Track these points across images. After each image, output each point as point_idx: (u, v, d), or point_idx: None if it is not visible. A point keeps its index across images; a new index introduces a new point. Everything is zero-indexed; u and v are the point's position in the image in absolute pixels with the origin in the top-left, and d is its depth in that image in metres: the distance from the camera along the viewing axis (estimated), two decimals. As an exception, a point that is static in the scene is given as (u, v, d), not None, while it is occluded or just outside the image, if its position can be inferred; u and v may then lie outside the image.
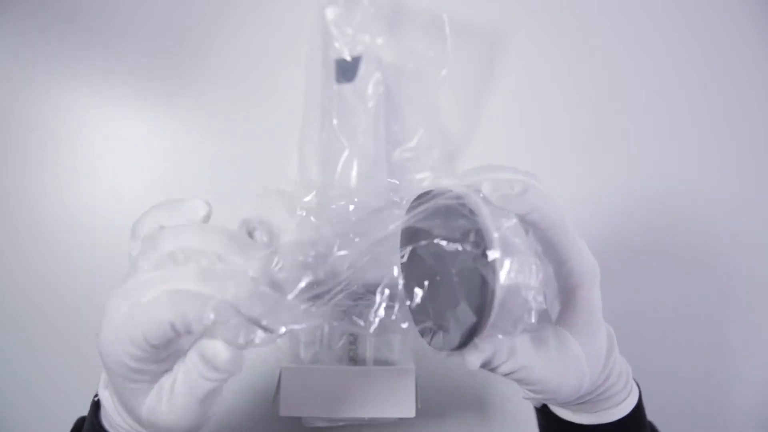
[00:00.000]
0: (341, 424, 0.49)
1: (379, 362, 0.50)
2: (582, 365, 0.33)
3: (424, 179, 0.56)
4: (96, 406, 0.34)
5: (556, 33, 0.60)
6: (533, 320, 0.28)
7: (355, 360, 0.48)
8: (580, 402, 0.35)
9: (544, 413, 0.39)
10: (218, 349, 0.27)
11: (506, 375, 0.32)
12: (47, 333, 0.53)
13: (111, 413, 0.32)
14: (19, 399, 0.53)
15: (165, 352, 0.28)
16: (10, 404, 0.53)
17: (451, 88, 0.56)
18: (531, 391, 0.34)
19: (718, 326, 0.55)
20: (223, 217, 0.54)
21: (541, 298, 0.28)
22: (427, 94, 0.56)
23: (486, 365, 0.31)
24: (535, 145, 0.58)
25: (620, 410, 0.36)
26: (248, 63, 0.59)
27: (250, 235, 0.33)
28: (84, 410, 0.52)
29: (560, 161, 0.57)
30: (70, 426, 0.52)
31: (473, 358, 0.30)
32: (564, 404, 0.36)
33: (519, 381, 0.33)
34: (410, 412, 0.45)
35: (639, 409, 0.37)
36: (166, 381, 0.29)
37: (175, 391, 0.28)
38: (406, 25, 0.57)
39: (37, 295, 0.54)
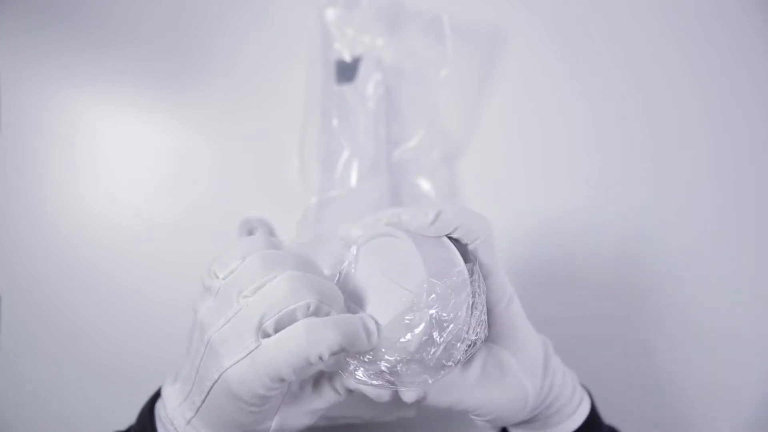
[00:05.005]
0: (341, 423, 0.49)
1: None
2: (521, 380, 0.33)
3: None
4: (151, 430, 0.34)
5: (555, 33, 0.60)
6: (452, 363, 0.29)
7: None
8: (533, 418, 0.35)
9: None
10: (382, 394, 0.31)
11: (449, 408, 0.32)
12: (48, 333, 0.53)
13: None
14: (20, 399, 0.53)
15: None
16: (12, 404, 0.52)
17: (451, 89, 0.56)
18: (481, 418, 0.34)
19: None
20: (223, 217, 0.55)
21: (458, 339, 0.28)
22: (427, 95, 0.56)
23: (422, 401, 0.32)
24: (534, 146, 0.58)
25: (573, 421, 0.36)
26: (249, 64, 0.59)
27: (251, 234, 0.34)
28: (83, 408, 0.52)
29: (560, 161, 0.57)
30: (72, 426, 0.52)
31: (407, 394, 0.31)
32: (519, 424, 0.36)
33: (465, 412, 0.33)
34: (410, 412, 0.45)
35: (594, 417, 0.37)
36: (298, 397, 0.32)
37: (309, 404, 0.32)
38: (406, 26, 0.58)
39: (37, 295, 0.54)
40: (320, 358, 0.27)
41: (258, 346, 0.28)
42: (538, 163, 0.58)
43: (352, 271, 0.32)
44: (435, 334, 0.28)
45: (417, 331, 0.27)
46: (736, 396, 0.53)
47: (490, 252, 0.32)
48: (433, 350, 0.28)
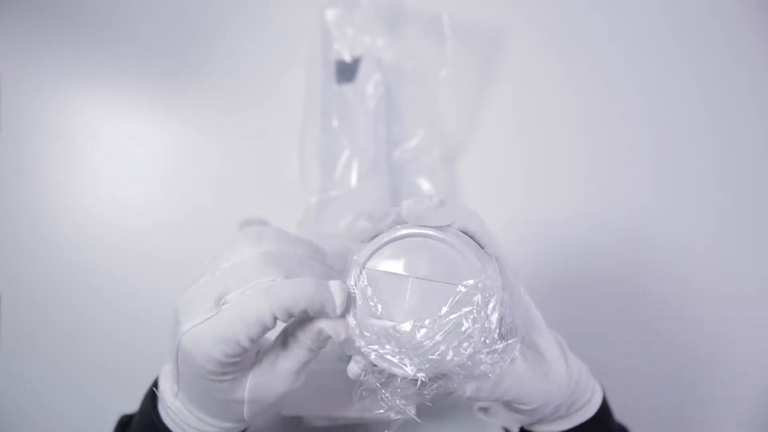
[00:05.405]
0: (341, 423, 0.49)
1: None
2: (558, 364, 0.33)
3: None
4: (153, 405, 0.34)
5: (555, 33, 0.60)
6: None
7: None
8: (559, 406, 0.35)
9: None
10: (338, 329, 0.29)
11: (498, 399, 0.32)
12: (48, 333, 0.53)
13: (188, 420, 0.33)
14: (20, 399, 0.53)
15: (258, 343, 0.29)
16: (12, 404, 0.52)
17: (451, 89, 0.56)
18: (526, 406, 0.33)
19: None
20: (223, 217, 0.55)
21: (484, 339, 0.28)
22: (427, 95, 0.56)
23: (476, 395, 0.31)
24: (534, 146, 0.58)
25: (589, 409, 0.36)
26: (249, 64, 0.59)
27: None
28: (83, 408, 0.52)
29: (560, 161, 0.58)
30: (72, 426, 0.52)
31: (468, 387, 0.30)
32: (545, 416, 0.36)
33: (511, 402, 0.33)
34: (410, 412, 0.45)
35: (606, 403, 0.37)
36: (266, 362, 0.31)
37: (279, 365, 0.31)
38: (406, 26, 0.58)
39: (37, 295, 0.54)
40: (276, 318, 0.27)
41: (217, 312, 0.28)
42: (538, 163, 0.58)
43: (363, 285, 0.31)
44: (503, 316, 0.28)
45: (493, 312, 0.28)
46: (737, 396, 0.53)
47: (493, 242, 0.32)
48: (505, 330, 0.28)
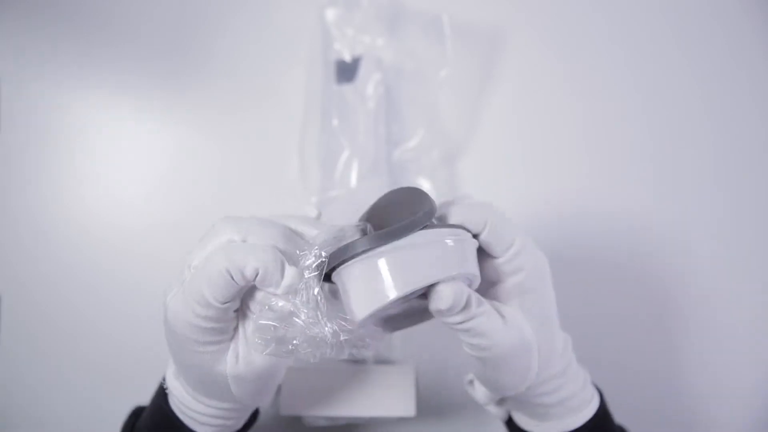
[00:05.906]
0: (341, 423, 0.49)
1: (380, 361, 0.50)
2: (530, 342, 0.33)
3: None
4: (163, 392, 0.36)
5: (555, 33, 0.60)
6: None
7: (355, 359, 0.48)
8: (536, 403, 0.35)
9: (511, 427, 0.39)
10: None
11: (461, 325, 0.31)
12: (48, 333, 0.53)
13: (186, 401, 0.34)
14: (20, 399, 0.53)
15: (229, 307, 0.30)
16: (12, 404, 0.53)
17: (451, 89, 0.56)
18: (480, 357, 0.33)
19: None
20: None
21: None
22: (427, 95, 0.56)
23: (449, 311, 0.30)
24: (534, 146, 0.58)
25: (579, 417, 0.36)
26: (249, 64, 0.59)
27: None
28: (83, 408, 0.52)
29: (560, 161, 0.58)
30: (72, 426, 0.52)
31: (441, 300, 0.30)
32: (521, 408, 0.36)
33: (469, 332, 0.32)
34: (410, 412, 0.45)
35: (604, 414, 0.37)
36: (240, 334, 0.32)
37: (249, 337, 0.31)
38: (406, 26, 0.58)
39: (37, 295, 0.54)
40: (232, 277, 0.28)
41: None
42: (538, 163, 0.58)
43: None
44: None
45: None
46: (737, 395, 0.53)
47: (499, 229, 0.36)
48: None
